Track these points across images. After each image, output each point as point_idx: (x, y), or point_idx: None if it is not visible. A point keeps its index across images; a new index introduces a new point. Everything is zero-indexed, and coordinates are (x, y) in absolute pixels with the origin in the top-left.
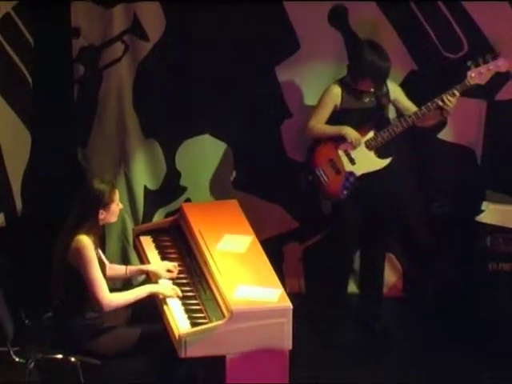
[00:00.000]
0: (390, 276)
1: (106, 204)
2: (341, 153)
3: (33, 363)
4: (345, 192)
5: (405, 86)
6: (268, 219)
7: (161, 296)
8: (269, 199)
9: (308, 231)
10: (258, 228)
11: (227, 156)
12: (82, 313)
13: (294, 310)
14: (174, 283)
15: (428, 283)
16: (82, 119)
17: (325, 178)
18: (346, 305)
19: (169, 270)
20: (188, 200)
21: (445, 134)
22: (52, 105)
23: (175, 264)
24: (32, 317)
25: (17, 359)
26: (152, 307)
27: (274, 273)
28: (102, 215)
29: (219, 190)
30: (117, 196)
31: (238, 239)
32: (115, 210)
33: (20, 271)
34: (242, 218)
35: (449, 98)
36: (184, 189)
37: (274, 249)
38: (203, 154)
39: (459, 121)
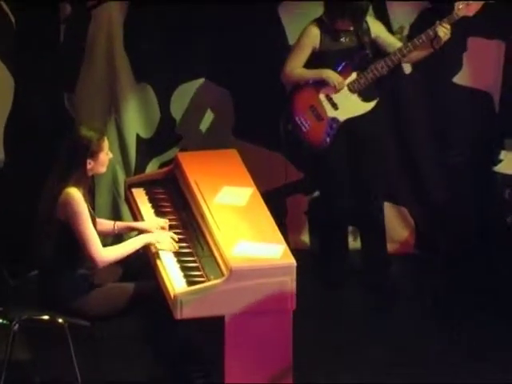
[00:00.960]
0: (402, 231)
1: (93, 153)
2: (322, 98)
3: (17, 325)
4: (328, 140)
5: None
6: (270, 170)
7: (157, 246)
8: (271, 148)
9: (313, 182)
10: (259, 179)
11: (226, 101)
12: (72, 270)
13: (298, 267)
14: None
15: (442, 238)
16: (69, 62)
17: (306, 126)
18: (348, 261)
19: (162, 228)
20: (184, 149)
21: (460, 78)
22: (37, 47)
23: (166, 220)
24: (16, 275)
25: (0, 320)
26: (145, 264)
27: (276, 227)
28: (89, 165)
29: (217, 138)
30: (106, 144)
31: (237, 191)
32: (104, 160)
33: (2, 226)
34: (241, 169)
35: (442, 28)
36: (179, 137)
37: (276, 202)
38: (200, 100)
39: (475, 63)
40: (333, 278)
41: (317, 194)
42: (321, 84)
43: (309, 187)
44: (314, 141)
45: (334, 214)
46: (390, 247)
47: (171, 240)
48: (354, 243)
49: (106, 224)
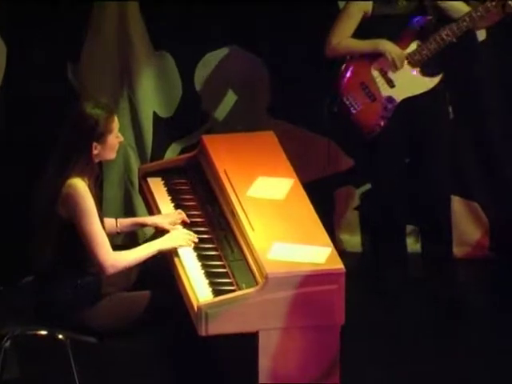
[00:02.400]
0: (473, 231)
1: (101, 135)
2: (375, 74)
3: (9, 341)
4: (382, 123)
5: None
6: (314, 156)
7: (177, 248)
8: (316, 130)
9: (367, 171)
10: (300, 168)
11: (261, 74)
12: (75, 277)
13: (348, 274)
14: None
15: None
16: (73, 26)
17: (356, 106)
18: (406, 267)
19: (175, 223)
20: (210, 131)
21: None
22: (33, 6)
23: (180, 211)
24: (7, 281)
25: None
26: (163, 269)
27: (321, 226)
28: (96, 150)
29: (251, 117)
30: (115, 125)
31: (274, 182)
32: (113, 144)
33: None
34: (280, 155)
35: None
36: (205, 117)
37: (322, 195)
38: (230, 72)
39: None
40: (389, 286)
41: (369, 186)
42: (374, 57)
43: (360, 178)
44: (366, 124)
45: (390, 210)
46: (459, 251)
47: (188, 239)
48: (414, 246)
49: (108, 222)
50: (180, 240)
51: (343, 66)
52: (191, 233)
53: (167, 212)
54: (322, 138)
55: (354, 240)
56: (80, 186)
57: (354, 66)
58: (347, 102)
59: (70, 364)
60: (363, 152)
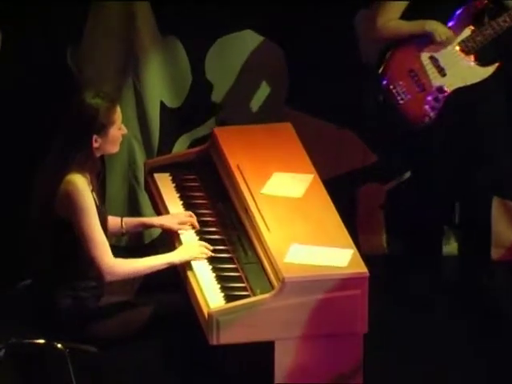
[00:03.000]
0: (510, 232)
1: (102, 127)
2: (425, 60)
3: (3, 350)
4: (431, 115)
5: None
6: (336, 150)
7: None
8: (336, 122)
9: (392, 167)
10: (320, 163)
11: (278, 60)
12: (75, 280)
13: (372, 278)
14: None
15: None
16: (73, 6)
17: (403, 96)
18: (440, 270)
19: (183, 223)
20: (223, 123)
21: None
22: None
23: (190, 213)
24: (2, 285)
25: None
26: (170, 272)
27: (343, 226)
28: (96, 143)
29: (267, 108)
30: (118, 116)
31: (292, 179)
32: (115, 136)
33: None
34: (298, 149)
35: None
36: (217, 107)
37: (343, 192)
38: (244, 58)
39: None
40: (419, 292)
41: (395, 183)
42: (424, 41)
43: (386, 174)
44: (413, 116)
45: (432, 209)
46: (495, 253)
47: (201, 250)
48: (448, 247)
49: (112, 221)
50: (194, 252)
51: (389, 52)
52: (207, 244)
53: (175, 211)
54: (344, 131)
55: (378, 241)
56: (79, 182)
57: (402, 51)
58: (394, 91)
59: (70, 374)
60: (409, 146)
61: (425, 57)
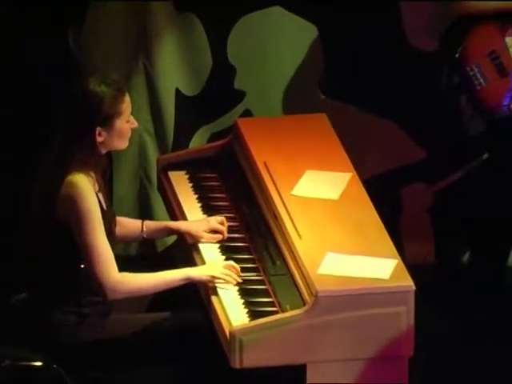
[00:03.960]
0: None
1: (106, 118)
2: (510, 41)
3: None
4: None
5: None
6: (377, 145)
7: (209, 283)
8: (378, 113)
9: (442, 165)
10: (360, 159)
11: (312, 42)
12: (77, 295)
13: (418, 292)
14: (226, 254)
15: None
16: None
17: (481, 80)
18: (505, 285)
19: (214, 231)
20: (247, 113)
21: None
22: None
23: (223, 219)
24: None
25: None
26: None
27: (385, 232)
28: (100, 137)
29: (298, 96)
30: (126, 106)
31: (327, 178)
32: (123, 130)
33: None
34: (334, 143)
35: None
36: (241, 95)
37: (386, 193)
38: (272, 39)
39: None
40: (476, 311)
41: (446, 182)
42: (508, 20)
43: (434, 172)
44: (491, 103)
45: (507, 212)
46: None
47: (230, 274)
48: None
49: (131, 224)
50: (217, 273)
51: (471, 29)
52: (236, 266)
53: (193, 214)
54: (388, 124)
55: (425, 250)
56: (82, 183)
57: (483, 31)
58: (471, 74)
59: None
60: (484, 136)
61: (509, 38)
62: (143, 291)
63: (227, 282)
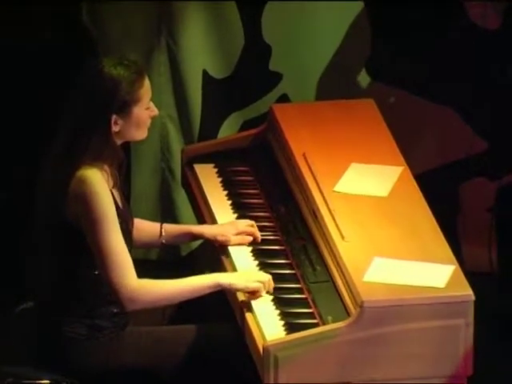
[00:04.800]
0: None
1: (123, 105)
2: None
3: None
4: None
5: None
6: (432, 136)
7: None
8: (433, 98)
9: (506, 157)
10: (412, 152)
11: (358, 18)
12: (89, 305)
13: (478, 304)
14: (259, 258)
15: None
16: None
17: None
18: None
19: (241, 233)
20: (284, 98)
21: None
22: None
23: (252, 222)
24: (1, 307)
25: None
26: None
27: (441, 234)
28: (116, 126)
29: (342, 79)
30: (146, 91)
31: (375, 172)
32: (142, 118)
33: None
34: (383, 133)
35: None
36: (277, 77)
37: (441, 190)
38: (313, 15)
39: None
40: None
41: (510, 178)
42: None
43: (498, 167)
44: None
45: None
46: None
47: (262, 282)
48: None
49: (148, 228)
50: (250, 282)
51: None
52: (269, 277)
53: (222, 213)
54: (444, 110)
55: (486, 255)
56: (95, 179)
57: None
58: None
59: None
60: None
61: None
62: (166, 300)
63: (259, 294)
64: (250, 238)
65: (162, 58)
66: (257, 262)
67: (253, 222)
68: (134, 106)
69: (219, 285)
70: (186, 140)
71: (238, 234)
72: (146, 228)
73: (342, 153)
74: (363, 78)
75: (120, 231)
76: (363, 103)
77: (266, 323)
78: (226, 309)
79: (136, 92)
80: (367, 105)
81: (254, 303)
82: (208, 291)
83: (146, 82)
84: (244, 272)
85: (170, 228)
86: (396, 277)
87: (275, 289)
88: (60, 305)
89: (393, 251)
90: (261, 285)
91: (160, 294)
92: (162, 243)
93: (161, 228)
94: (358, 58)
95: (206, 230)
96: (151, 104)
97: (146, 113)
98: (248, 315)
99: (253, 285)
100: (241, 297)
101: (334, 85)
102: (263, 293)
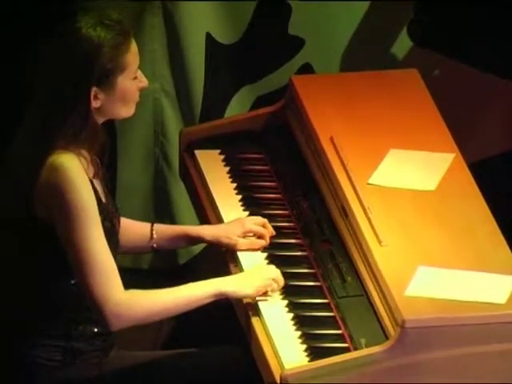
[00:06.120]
0: None
1: (105, 74)
2: None
3: None
4: None
5: None
6: (491, 117)
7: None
8: (493, 70)
9: None
10: (466, 136)
11: None
12: (64, 324)
13: None
14: (276, 267)
15: None
16: None
17: None
18: None
19: (256, 235)
20: (307, 68)
21: None
22: None
23: (264, 220)
24: None
25: None
26: (219, 309)
27: (501, 238)
28: (97, 101)
29: (377, 45)
30: (133, 56)
31: (419, 160)
32: (129, 90)
33: None
34: (429, 112)
35: None
36: (298, 42)
37: (502, 183)
38: None
39: None
40: None
41: None
42: None
43: None
44: None
45: None
46: None
47: (271, 282)
48: None
49: (135, 228)
50: (257, 283)
51: None
52: (278, 273)
53: (230, 212)
54: (507, 86)
55: None
56: (71, 166)
57: None
58: None
59: None
60: None
61: None
62: (158, 315)
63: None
64: (262, 243)
65: (156, 20)
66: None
67: (265, 221)
68: (119, 76)
69: (221, 293)
70: (186, 120)
71: (246, 234)
72: (134, 229)
73: (378, 136)
74: (404, 44)
75: (102, 231)
76: (404, 74)
77: (284, 347)
78: (232, 325)
79: (120, 58)
80: (410, 76)
81: (268, 322)
82: (209, 301)
83: (133, 46)
84: (249, 272)
85: (163, 229)
86: (445, 290)
87: (295, 305)
88: (27, 323)
89: (441, 258)
90: (272, 283)
91: (151, 309)
92: (153, 247)
93: (151, 229)
94: (397, 19)
95: (205, 231)
96: (139, 73)
97: (132, 84)
98: (261, 337)
99: (263, 283)
100: (251, 311)
101: (368, 52)
102: (275, 292)
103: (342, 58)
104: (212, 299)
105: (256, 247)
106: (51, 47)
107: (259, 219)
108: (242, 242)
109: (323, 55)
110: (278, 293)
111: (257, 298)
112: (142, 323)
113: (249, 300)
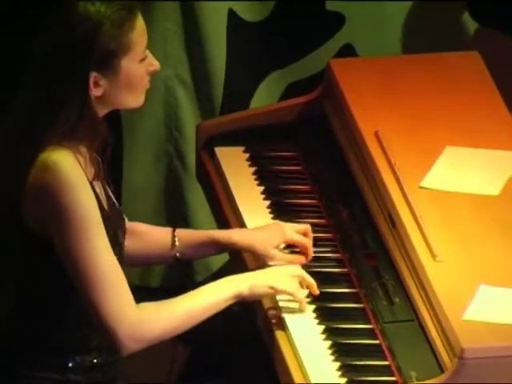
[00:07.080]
0: None
1: (106, 57)
2: None
3: None
4: None
5: None
6: None
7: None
8: None
9: None
10: None
11: None
12: (59, 353)
13: None
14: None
15: None
16: None
17: None
18: None
19: (294, 249)
20: (348, 50)
21: None
22: None
23: (307, 227)
24: None
25: None
26: (240, 334)
27: None
28: (98, 89)
29: (430, 24)
30: (139, 35)
31: (480, 160)
32: (135, 75)
33: None
34: (492, 101)
35: None
36: (337, 20)
37: None
38: None
39: None
40: None
41: None
42: None
43: None
44: None
45: None
46: None
47: (296, 286)
48: None
49: (155, 234)
50: (282, 283)
51: None
52: (304, 274)
53: (255, 218)
54: None
55: None
56: (66, 164)
57: None
58: None
59: None
60: None
61: None
62: (175, 330)
63: (296, 298)
64: (302, 260)
65: None
66: (306, 292)
67: (307, 227)
68: (123, 58)
69: (240, 295)
70: (204, 112)
71: (285, 244)
72: (152, 235)
73: (431, 131)
74: (463, 23)
75: (107, 240)
76: (463, 57)
77: (321, 380)
78: (253, 351)
79: (124, 37)
80: (469, 59)
81: (302, 350)
82: (227, 305)
83: (139, 23)
84: (273, 270)
85: (186, 235)
86: (510, 314)
87: (333, 331)
88: (16, 351)
89: (506, 276)
90: (296, 289)
91: (168, 324)
92: (175, 257)
93: (173, 235)
94: None
95: (237, 235)
96: (148, 54)
97: (140, 67)
98: (294, 369)
99: (286, 287)
100: (280, 337)
101: (420, 30)
102: (302, 294)
103: (389, 37)
104: (229, 303)
105: (296, 263)
106: (45, 27)
107: (301, 227)
108: (279, 256)
109: (367, 35)
110: (313, 316)
111: (285, 319)
112: (160, 339)
113: (278, 325)
